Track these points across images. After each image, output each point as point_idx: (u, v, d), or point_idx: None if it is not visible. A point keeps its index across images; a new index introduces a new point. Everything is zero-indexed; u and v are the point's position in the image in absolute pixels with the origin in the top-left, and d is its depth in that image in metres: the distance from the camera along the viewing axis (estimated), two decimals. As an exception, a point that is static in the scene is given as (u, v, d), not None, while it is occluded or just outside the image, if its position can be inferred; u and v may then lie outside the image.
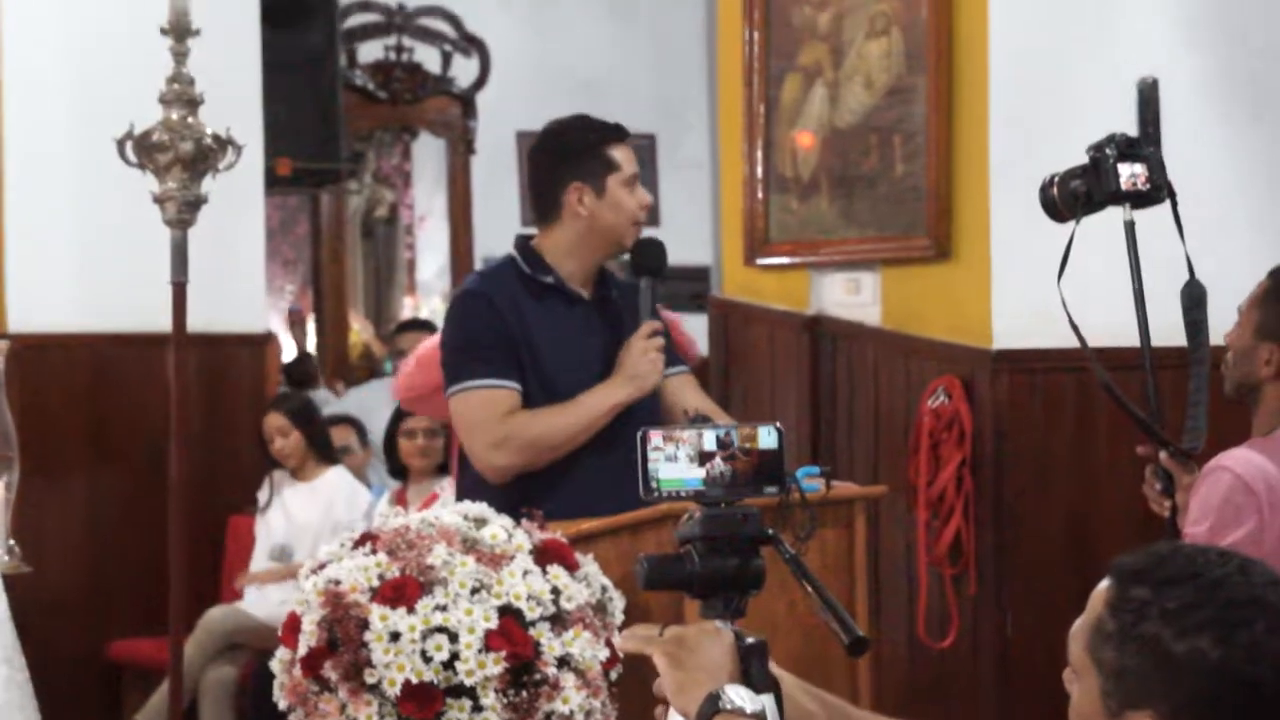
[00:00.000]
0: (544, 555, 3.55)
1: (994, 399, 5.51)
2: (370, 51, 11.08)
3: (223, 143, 4.93)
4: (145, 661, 6.87)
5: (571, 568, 3.56)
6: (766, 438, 2.42)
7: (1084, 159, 4.11)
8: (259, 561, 7.02)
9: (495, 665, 3.37)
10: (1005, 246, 5.51)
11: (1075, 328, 4.01)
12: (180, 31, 4.84)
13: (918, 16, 5.73)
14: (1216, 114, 5.70)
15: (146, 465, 6.80)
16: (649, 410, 4.33)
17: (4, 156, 6.91)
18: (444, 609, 3.40)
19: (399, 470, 6.90)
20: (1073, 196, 4.10)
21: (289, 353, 10.14)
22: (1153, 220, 4.12)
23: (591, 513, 3.95)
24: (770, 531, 2.40)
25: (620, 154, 4.42)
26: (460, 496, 4.14)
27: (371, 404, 8.79)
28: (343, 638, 3.40)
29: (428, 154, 11.87)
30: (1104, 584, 2.09)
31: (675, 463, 2.39)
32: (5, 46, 6.90)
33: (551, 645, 3.43)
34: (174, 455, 4.99)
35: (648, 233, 4.52)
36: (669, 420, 4.26)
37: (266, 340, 7.57)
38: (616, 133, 4.45)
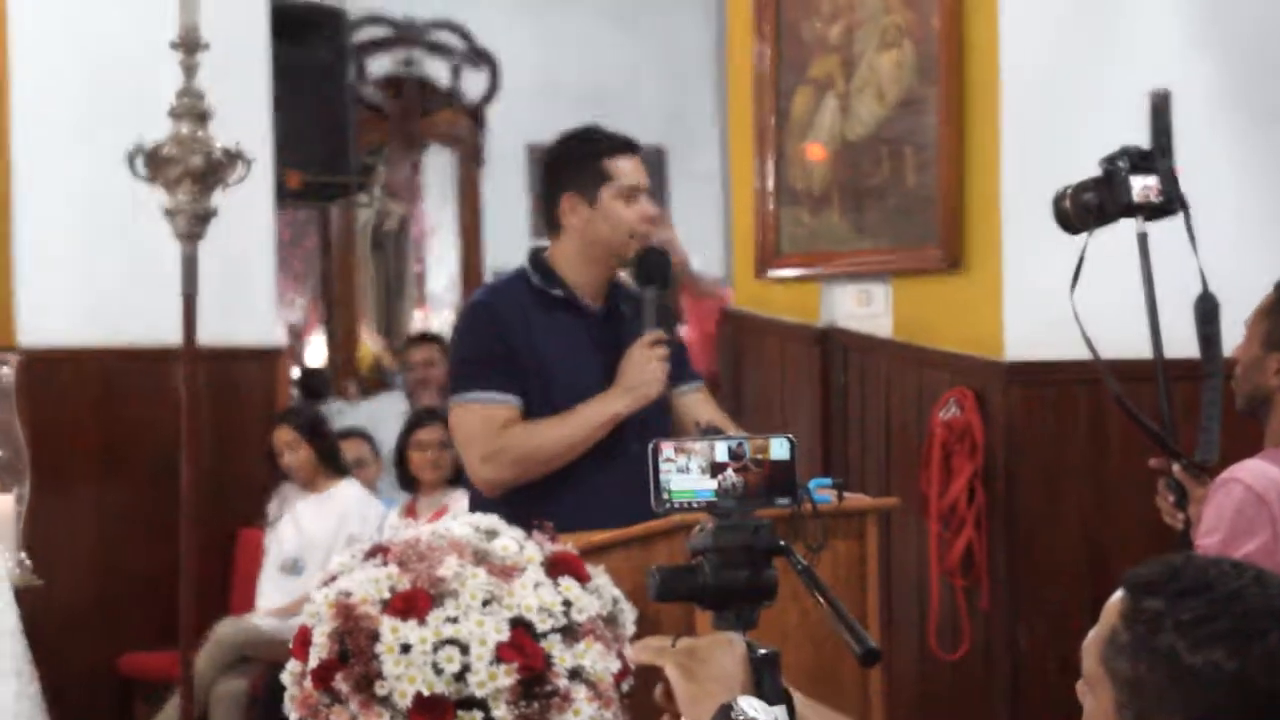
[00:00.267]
0: (555, 567, 3.55)
1: (1006, 411, 5.50)
2: (380, 65, 11.09)
3: (232, 156, 4.94)
4: (156, 674, 6.88)
5: (583, 579, 3.55)
6: (778, 449, 2.41)
7: (1096, 170, 4.11)
8: (269, 574, 7.02)
9: (507, 677, 3.36)
10: (1017, 258, 5.51)
11: (1088, 340, 4.00)
12: (190, 45, 4.85)
13: (929, 28, 5.73)
14: (1229, 126, 5.69)
15: (157, 478, 6.80)
16: (659, 424, 4.32)
17: (14, 170, 6.92)
18: (455, 621, 3.39)
19: (409, 482, 6.90)
20: (1085, 209, 4.10)
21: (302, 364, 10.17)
22: (1165, 232, 4.12)
23: (599, 526, 3.94)
24: (782, 543, 2.39)
25: (618, 165, 4.41)
26: (471, 508, 4.16)
27: (381, 416, 8.80)
28: (354, 650, 3.39)
29: (437, 167, 11.88)
30: (1117, 595, 2.08)
31: (687, 474, 2.39)
32: (16, 61, 6.91)
33: (563, 657, 3.42)
34: (184, 468, 5.00)
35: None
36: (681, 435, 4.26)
37: (276, 353, 7.58)
38: (616, 144, 4.45)
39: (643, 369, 4.28)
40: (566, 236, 4.41)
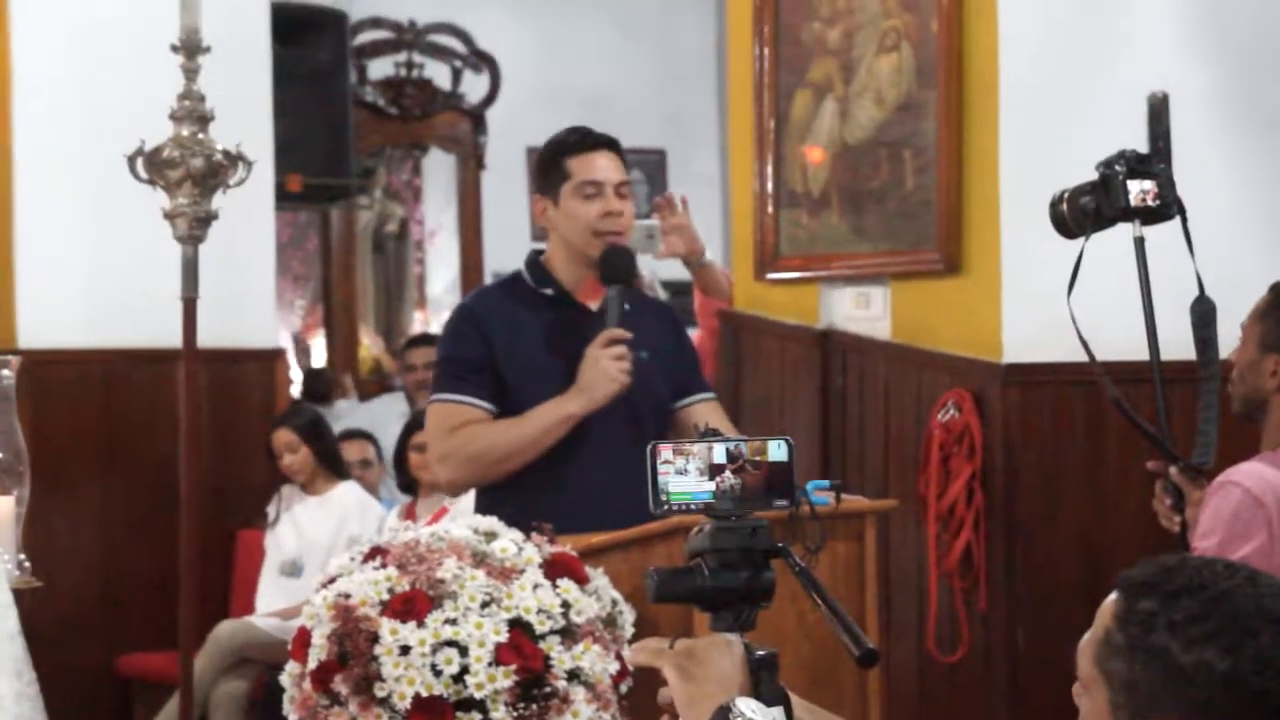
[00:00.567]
0: (554, 569, 3.56)
1: (1004, 413, 5.51)
2: (381, 68, 11.11)
3: (233, 159, 4.94)
4: (156, 676, 6.88)
5: (581, 581, 3.56)
6: (776, 451, 2.42)
7: (1094, 173, 4.11)
8: (269, 576, 7.03)
9: (505, 679, 3.37)
10: (1015, 260, 5.51)
11: (1085, 343, 4.01)
12: (191, 48, 4.85)
13: (928, 32, 5.73)
14: (1227, 129, 5.70)
15: (157, 480, 6.81)
16: (654, 425, 4.33)
17: (15, 173, 6.93)
18: (454, 622, 3.40)
19: (409, 484, 6.91)
20: (1082, 213, 4.11)
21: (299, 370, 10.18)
22: (1162, 235, 4.13)
23: (588, 528, 3.95)
24: (780, 544, 2.40)
25: (577, 163, 4.41)
26: (476, 508, 4.20)
27: (382, 418, 8.81)
28: (353, 651, 3.40)
29: (438, 169, 11.89)
30: (1112, 597, 2.09)
31: (685, 476, 2.40)
32: (16, 64, 6.92)
33: (561, 659, 3.43)
34: (184, 470, 5.00)
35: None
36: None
37: (277, 355, 7.58)
38: (578, 142, 4.45)
39: (594, 368, 4.27)
40: (551, 237, 4.45)
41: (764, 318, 6.40)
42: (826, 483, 2.99)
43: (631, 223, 4.47)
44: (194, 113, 4.88)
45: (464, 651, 3.38)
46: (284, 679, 3.53)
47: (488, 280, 10.70)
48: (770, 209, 6.31)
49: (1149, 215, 4.08)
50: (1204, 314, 4.04)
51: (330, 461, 7.14)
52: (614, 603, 3.61)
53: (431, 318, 11.70)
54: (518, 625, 3.43)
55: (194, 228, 4.91)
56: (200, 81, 4.89)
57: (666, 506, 2.40)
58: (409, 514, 6.56)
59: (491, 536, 3.62)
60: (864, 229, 6.01)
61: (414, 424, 6.91)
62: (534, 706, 3.39)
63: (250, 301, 7.26)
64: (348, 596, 3.46)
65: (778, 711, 2.32)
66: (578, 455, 4.30)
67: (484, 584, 3.46)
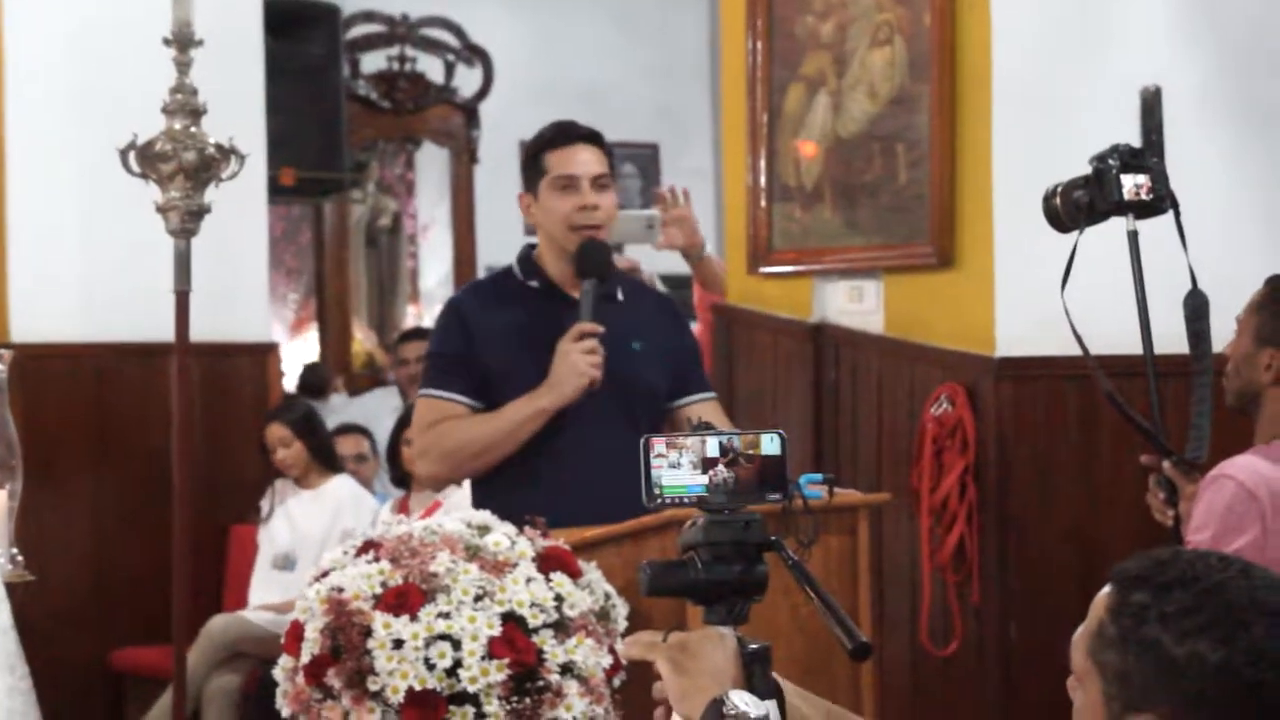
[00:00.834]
0: (547, 562, 3.56)
1: (997, 406, 5.51)
2: (373, 61, 11.10)
3: (226, 152, 4.93)
4: (148, 670, 6.88)
5: (574, 575, 3.56)
6: (769, 444, 2.42)
7: (1087, 167, 4.11)
8: (262, 570, 7.03)
9: (498, 672, 3.37)
10: (1008, 254, 5.52)
11: (1079, 337, 4.01)
12: (183, 41, 4.84)
13: (921, 26, 5.73)
14: (1219, 123, 5.70)
15: (149, 474, 6.81)
16: (633, 415, 4.33)
17: (7, 166, 6.92)
18: (447, 616, 3.40)
19: (402, 479, 6.91)
20: (1076, 207, 4.11)
21: (290, 356, 10.18)
22: (1154, 228, 4.13)
23: (576, 522, 3.94)
24: (773, 538, 2.40)
25: (554, 157, 4.42)
26: (472, 503, 4.22)
27: (375, 412, 8.81)
28: (346, 645, 3.40)
29: (431, 163, 11.88)
30: (1105, 589, 2.09)
31: (678, 469, 2.40)
32: (8, 57, 6.91)
33: (554, 652, 3.43)
34: (177, 464, 5.00)
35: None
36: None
37: (270, 349, 7.58)
38: (555, 136, 4.45)
39: (564, 362, 4.27)
40: (539, 231, 4.47)
41: (757, 311, 6.40)
42: (819, 476, 3.00)
43: (610, 216, 4.46)
44: (186, 106, 4.87)
45: (457, 645, 3.38)
46: (277, 673, 3.53)
47: (481, 274, 10.71)
48: (763, 203, 6.31)
49: (1142, 209, 4.08)
50: (1197, 308, 4.04)
51: (323, 456, 7.14)
52: (607, 596, 3.61)
53: (424, 312, 11.69)
54: (511, 619, 3.43)
55: (186, 221, 4.89)
56: (193, 75, 4.88)
57: (659, 500, 2.40)
58: (402, 508, 6.56)
59: (484, 530, 3.62)
60: (857, 223, 6.01)
61: (406, 418, 6.90)
62: (527, 700, 3.39)
63: (243, 295, 7.26)
64: (341, 590, 3.46)
65: (771, 705, 2.32)
66: (568, 448, 4.31)
67: (477, 578, 3.46)
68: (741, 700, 2.25)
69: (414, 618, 3.40)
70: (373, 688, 3.37)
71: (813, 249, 6.18)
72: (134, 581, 6.93)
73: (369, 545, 3.58)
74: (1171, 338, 4.09)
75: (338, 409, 9.62)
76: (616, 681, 3.51)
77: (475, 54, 11.23)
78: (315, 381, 10.29)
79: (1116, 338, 4.26)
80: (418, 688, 3.35)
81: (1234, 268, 4.86)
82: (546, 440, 4.31)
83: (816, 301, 6.21)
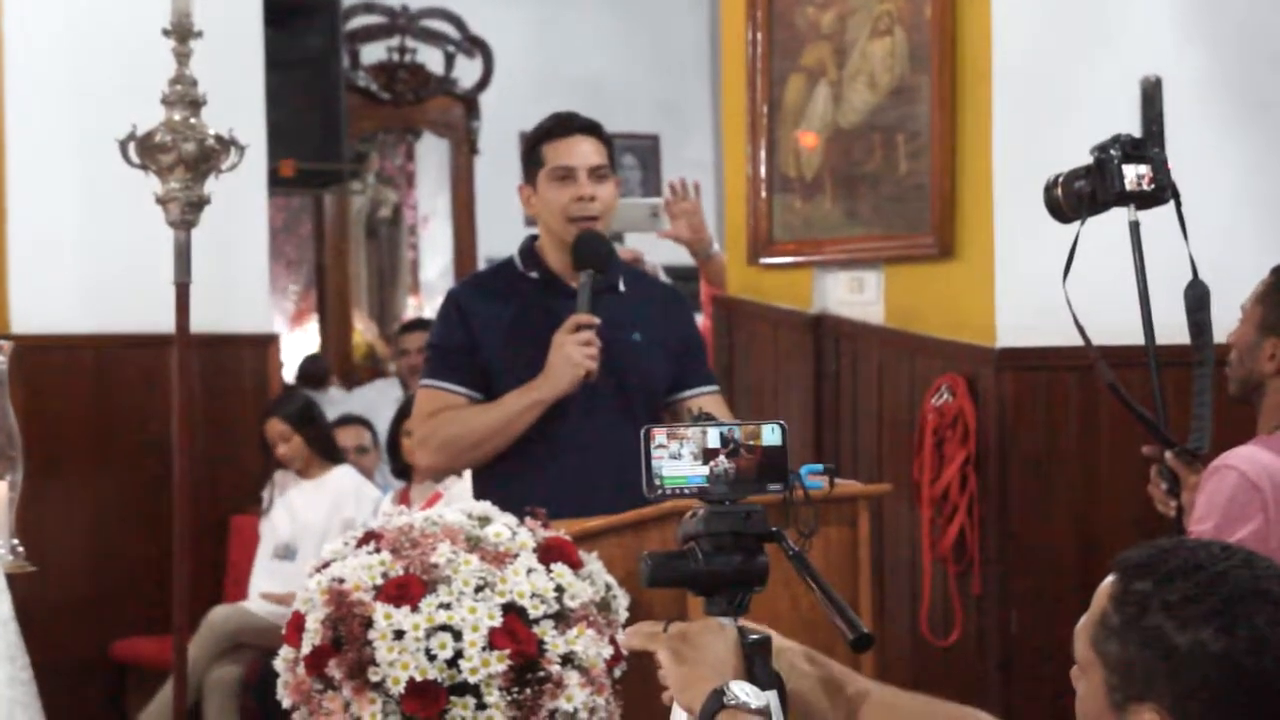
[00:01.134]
0: (548, 553, 3.55)
1: (997, 397, 5.51)
2: (373, 52, 11.09)
3: (225, 144, 4.93)
4: (149, 661, 6.88)
5: (575, 565, 3.56)
6: (770, 435, 2.42)
7: (1087, 157, 4.11)
8: (263, 561, 7.03)
9: (499, 663, 3.37)
10: (1009, 244, 5.52)
11: (1080, 328, 4.01)
12: (183, 33, 4.83)
13: (921, 16, 5.73)
14: (1220, 113, 5.70)
15: (150, 465, 6.81)
16: (632, 405, 4.32)
17: (7, 158, 6.92)
18: (448, 607, 3.40)
19: (403, 470, 6.91)
20: (1077, 197, 4.10)
21: (290, 345, 10.18)
22: (1155, 218, 4.12)
23: (574, 513, 3.94)
24: (774, 529, 2.40)
25: (551, 149, 4.41)
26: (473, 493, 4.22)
27: (376, 404, 8.81)
28: (347, 636, 3.39)
29: (431, 154, 11.87)
30: (1109, 579, 2.09)
31: (679, 460, 2.40)
32: (7, 49, 6.91)
33: (555, 643, 3.42)
34: (177, 455, 4.99)
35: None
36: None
37: (270, 340, 7.58)
38: (553, 127, 4.45)
39: (559, 353, 4.27)
40: (539, 222, 4.46)
41: (757, 302, 6.40)
42: (820, 467, 2.99)
43: (609, 207, 4.44)
44: (186, 97, 4.86)
45: (458, 636, 3.38)
46: (278, 664, 3.53)
47: (481, 265, 10.71)
48: (764, 194, 6.31)
49: (1144, 200, 4.07)
50: (1198, 298, 4.04)
51: (323, 447, 7.14)
52: (608, 587, 3.60)
53: (425, 303, 11.69)
54: (511, 610, 3.43)
55: (186, 213, 4.89)
56: (192, 66, 4.88)
57: (660, 491, 2.40)
58: (403, 499, 6.56)
59: (485, 521, 3.61)
60: (857, 214, 6.01)
61: (406, 409, 6.90)
62: (528, 691, 3.39)
63: (243, 286, 7.26)
64: (342, 581, 3.46)
65: (772, 695, 2.32)
66: (568, 438, 4.31)
67: (478, 568, 3.46)
68: (742, 690, 2.25)
69: (415, 609, 3.39)
70: (374, 679, 3.37)
71: (813, 240, 6.18)
72: (135, 572, 6.93)
73: (370, 536, 3.57)
74: (1172, 327, 4.09)
75: (336, 401, 9.62)
76: (617, 672, 3.50)
77: (475, 45, 11.23)
78: (315, 372, 10.29)
79: (1117, 328, 4.26)
80: (419, 678, 3.35)
81: (1235, 258, 4.87)
82: (546, 430, 4.31)
83: (817, 292, 6.21)
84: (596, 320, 4.27)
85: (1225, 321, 3.98)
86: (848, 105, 6.03)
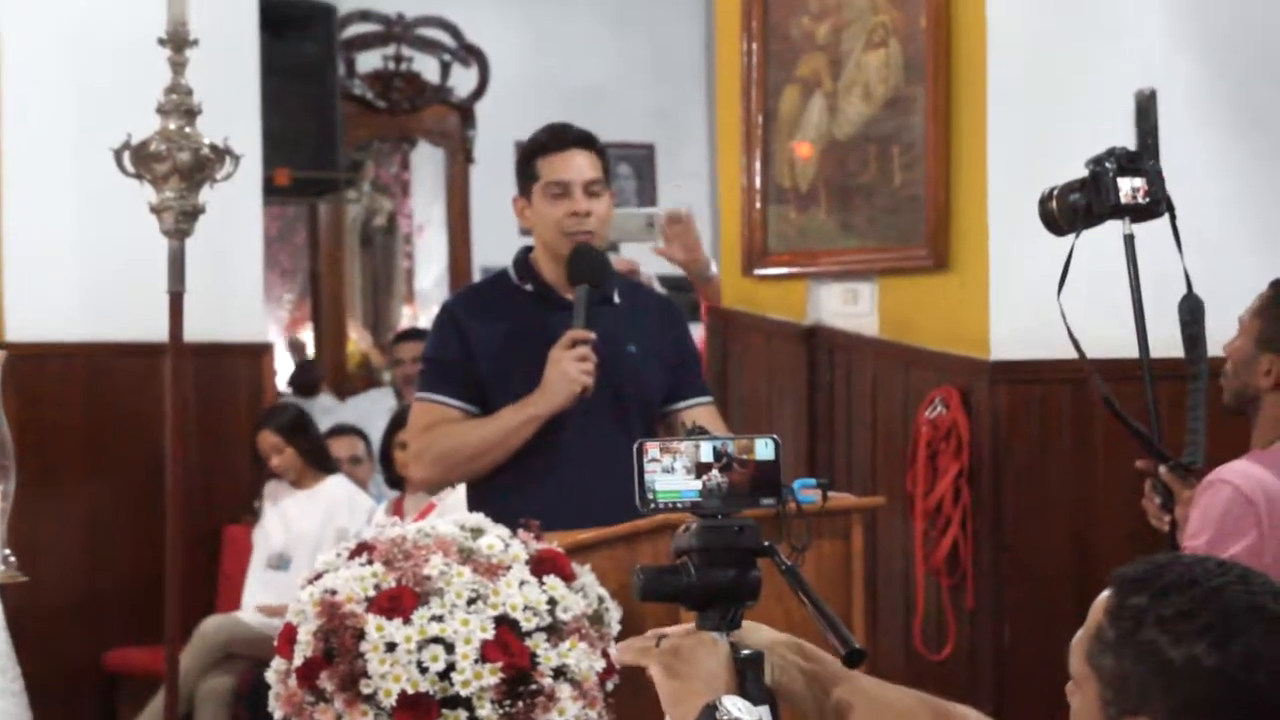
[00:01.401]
0: (540, 566, 3.55)
1: (991, 410, 5.51)
2: (369, 61, 11.08)
3: (220, 153, 4.92)
4: (141, 671, 6.87)
5: (568, 578, 3.56)
6: (763, 449, 2.42)
7: (1082, 169, 4.11)
8: (256, 571, 7.02)
9: (491, 676, 3.36)
10: (1003, 257, 5.52)
11: (1075, 341, 4.01)
12: (178, 42, 4.83)
13: (916, 28, 5.73)
14: (1214, 126, 5.70)
15: (143, 474, 6.79)
16: (628, 418, 4.32)
17: (2, 166, 6.91)
18: (440, 619, 3.39)
19: (397, 480, 6.90)
20: (1072, 210, 4.11)
21: (283, 353, 10.17)
22: (1148, 231, 4.13)
23: (571, 524, 3.93)
24: (767, 543, 2.40)
25: (546, 163, 4.40)
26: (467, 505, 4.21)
27: (369, 413, 8.80)
28: (339, 648, 3.39)
29: (426, 163, 11.87)
30: (1104, 594, 2.09)
31: (672, 474, 2.39)
32: (3, 57, 6.90)
33: (548, 656, 3.42)
34: (170, 464, 4.99)
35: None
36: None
37: (264, 349, 7.57)
38: (548, 141, 4.43)
39: (555, 369, 4.26)
40: (534, 235, 4.46)
41: (751, 314, 6.40)
42: (813, 481, 2.99)
43: (603, 221, 4.43)
44: (181, 106, 4.86)
45: (450, 648, 3.37)
46: (269, 675, 3.52)
47: (476, 274, 10.71)
48: (758, 205, 6.30)
49: (1139, 213, 4.08)
50: (1193, 312, 4.04)
51: (316, 458, 7.14)
52: (600, 600, 3.60)
53: (420, 312, 11.69)
54: (504, 622, 3.43)
55: (181, 221, 4.88)
56: (187, 75, 4.87)
57: (653, 505, 2.39)
58: (396, 510, 6.55)
59: (478, 533, 3.61)
60: (852, 225, 6.01)
61: (399, 420, 6.90)
62: (520, 704, 3.38)
63: (237, 295, 7.25)
64: (334, 593, 3.45)
65: (764, 710, 2.32)
66: (562, 450, 4.30)
67: (470, 581, 3.45)
68: (734, 705, 2.24)
69: (407, 621, 3.39)
70: (365, 691, 3.37)
71: (807, 251, 6.18)
72: (127, 582, 6.92)
73: (362, 548, 3.57)
74: (1166, 340, 4.09)
75: (329, 409, 9.61)
76: (610, 685, 3.50)
77: (471, 54, 11.22)
78: (307, 380, 10.28)
79: (1111, 341, 4.26)
80: (410, 691, 3.35)
81: (1229, 271, 4.86)
82: (543, 444, 4.30)
83: (811, 304, 6.20)
84: (592, 336, 4.26)
85: (1220, 335, 3.98)
86: (842, 116, 6.03)
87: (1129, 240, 4.08)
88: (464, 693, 3.35)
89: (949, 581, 5.55)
